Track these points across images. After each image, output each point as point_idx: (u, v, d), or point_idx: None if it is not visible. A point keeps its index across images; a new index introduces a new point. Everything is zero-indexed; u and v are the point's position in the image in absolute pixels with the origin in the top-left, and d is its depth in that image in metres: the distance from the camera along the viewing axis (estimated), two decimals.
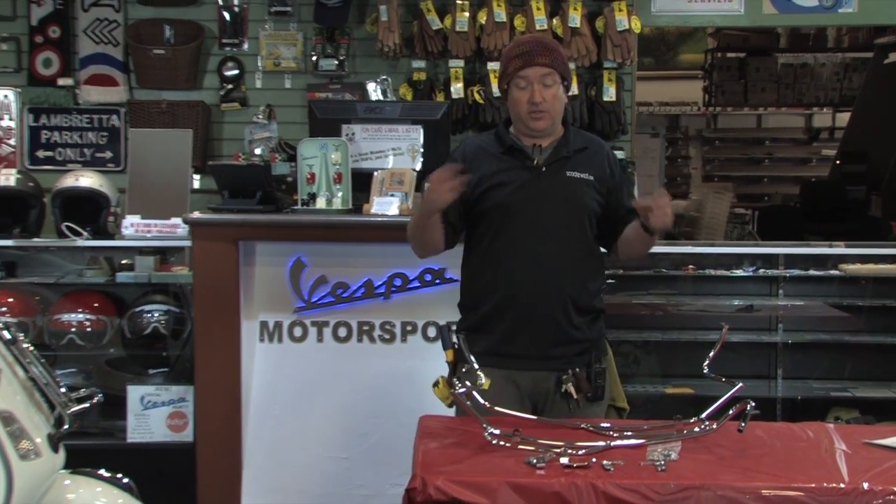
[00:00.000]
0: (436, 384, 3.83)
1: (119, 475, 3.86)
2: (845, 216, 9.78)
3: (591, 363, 3.89)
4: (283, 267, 5.30)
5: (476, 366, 3.56)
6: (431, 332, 5.31)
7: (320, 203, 5.28)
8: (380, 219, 5.15)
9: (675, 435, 3.45)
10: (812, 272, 5.96)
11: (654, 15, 6.95)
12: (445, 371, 3.76)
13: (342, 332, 5.34)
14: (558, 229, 3.84)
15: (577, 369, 3.86)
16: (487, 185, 3.88)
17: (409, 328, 5.33)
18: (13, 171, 5.99)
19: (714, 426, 3.51)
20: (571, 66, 6.53)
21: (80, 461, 3.83)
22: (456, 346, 3.92)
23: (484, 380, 3.57)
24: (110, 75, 6.97)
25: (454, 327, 4.04)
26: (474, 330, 3.95)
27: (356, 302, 5.31)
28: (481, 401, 3.58)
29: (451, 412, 3.73)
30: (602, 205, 3.91)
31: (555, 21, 6.61)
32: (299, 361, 5.33)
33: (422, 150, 5.45)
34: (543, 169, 3.87)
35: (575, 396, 3.83)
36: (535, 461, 3.22)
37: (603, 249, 4.06)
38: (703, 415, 3.58)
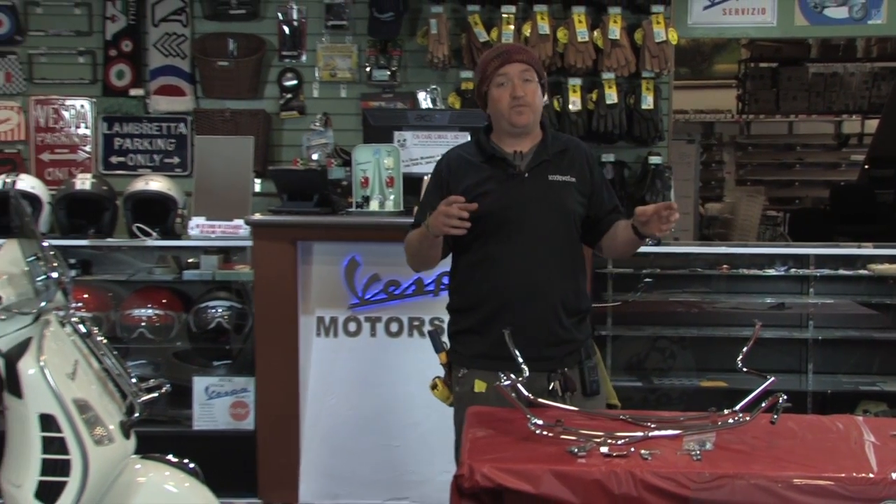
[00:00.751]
0: (434, 386, 3.83)
1: (185, 460, 3.90)
2: (874, 218, 9.67)
3: (581, 361, 3.83)
4: (338, 266, 5.32)
5: (525, 368, 3.53)
6: None
7: (373, 205, 5.30)
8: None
9: (710, 426, 3.41)
10: (841, 272, 5.90)
11: (691, 27, 6.90)
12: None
13: (394, 326, 5.35)
14: (544, 233, 3.76)
15: (567, 369, 3.81)
16: (473, 194, 3.73)
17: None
18: (88, 175, 6.05)
19: (747, 418, 3.46)
20: (611, 75, 6.55)
21: (149, 447, 3.87)
22: (448, 349, 3.94)
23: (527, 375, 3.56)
24: (178, 86, 7.02)
25: (444, 330, 4.02)
26: (467, 333, 3.87)
27: (407, 299, 5.32)
28: (525, 393, 3.57)
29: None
30: (584, 205, 3.83)
31: (595, 33, 6.58)
32: (353, 355, 5.35)
33: None
34: (526, 175, 3.78)
35: (560, 394, 3.75)
36: (576, 450, 3.20)
37: (587, 248, 3.98)
38: (737, 407, 3.53)
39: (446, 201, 3.61)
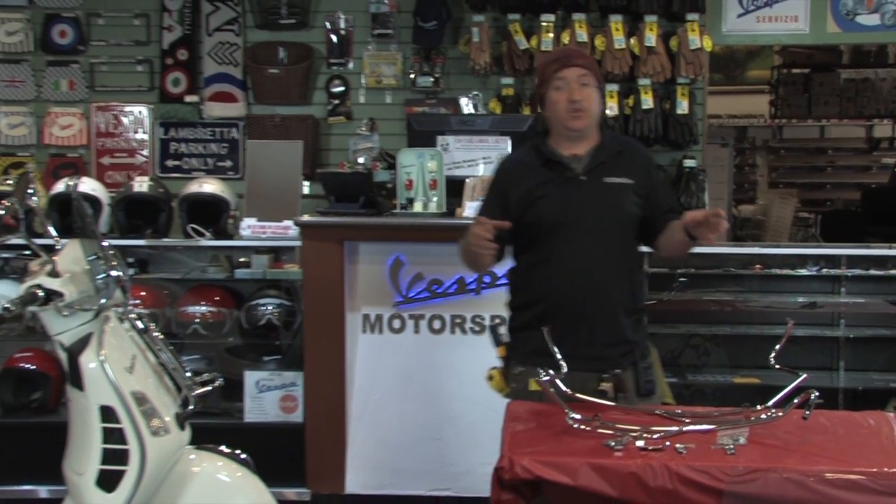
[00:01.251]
0: (490, 378, 3.81)
1: (237, 451, 3.91)
2: None
3: (636, 362, 3.78)
4: (383, 265, 5.33)
5: (563, 364, 3.51)
6: None
7: (417, 207, 5.31)
8: (471, 221, 5.14)
9: (744, 421, 3.39)
10: (873, 272, 5.84)
11: (725, 34, 6.86)
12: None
13: (437, 324, 5.35)
14: (601, 236, 3.72)
15: (621, 369, 3.76)
16: (531, 198, 3.75)
17: (497, 321, 5.30)
18: (146, 178, 6.10)
19: (780, 413, 3.44)
20: (647, 81, 6.53)
21: (203, 438, 3.89)
22: (506, 343, 3.92)
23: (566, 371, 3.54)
24: (231, 92, 7.06)
25: (503, 325, 4.01)
26: (525, 329, 3.84)
27: (449, 297, 5.32)
28: (563, 388, 3.56)
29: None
30: (642, 206, 3.77)
31: (632, 41, 6.56)
32: (398, 351, 5.36)
33: None
34: (582, 178, 3.73)
35: (613, 396, 3.71)
36: (613, 444, 3.20)
37: (645, 248, 3.92)
38: (770, 403, 3.51)
39: (478, 223, 3.63)
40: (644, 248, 3.93)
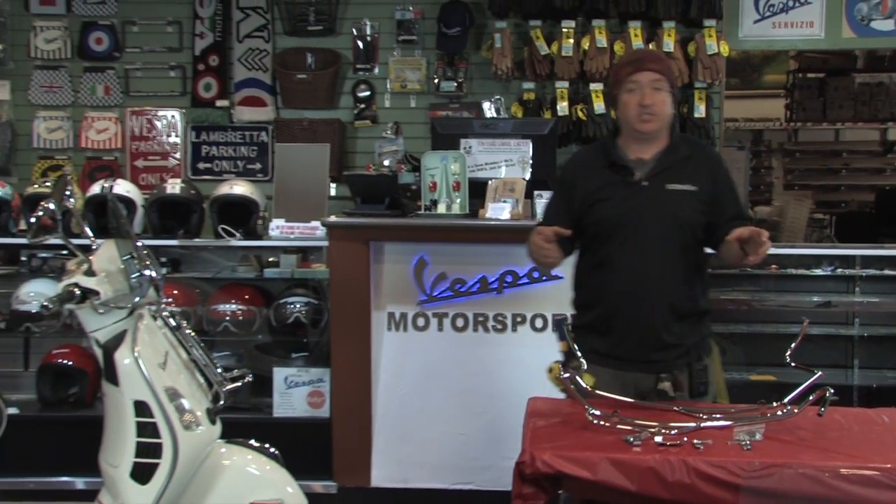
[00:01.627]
0: (550, 370, 3.79)
1: (266, 445, 3.93)
2: None
3: (691, 364, 3.74)
4: (408, 265, 5.33)
5: (583, 361, 3.51)
6: (539, 323, 5.29)
7: (441, 208, 5.31)
8: (493, 222, 5.16)
9: (760, 418, 3.38)
10: (887, 272, 5.82)
11: (741, 40, 6.82)
12: (555, 359, 3.70)
13: (460, 322, 5.35)
14: (658, 240, 3.67)
15: (677, 371, 3.72)
16: (593, 199, 3.73)
17: (519, 319, 5.31)
18: (178, 180, 6.13)
19: (795, 410, 3.43)
20: None
21: (233, 432, 3.90)
22: (569, 339, 3.90)
23: (585, 368, 3.54)
24: (260, 97, 7.07)
25: (569, 321, 3.98)
26: (585, 328, 3.83)
27: (472, 296, 5.32)
28: (583, 385, 3.56)
29: (558, 394, 3.68)
30: (705, 213, 3.70)
31: (651, 46, 6.53)
32: (422, 348, 5.36)
33: (531, 161, 5.46)
34: (644, 183, 3.69)
35: (671, 395, 3.69)
36: (632, 439, 3.20)
37: (710, 250, 3.85)
38: (786, 400, 3.50)
39: (537, 232, 3.63)
40: (709, 251, 3.86)
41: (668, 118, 3.75)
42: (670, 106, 3.74)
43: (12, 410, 3.86)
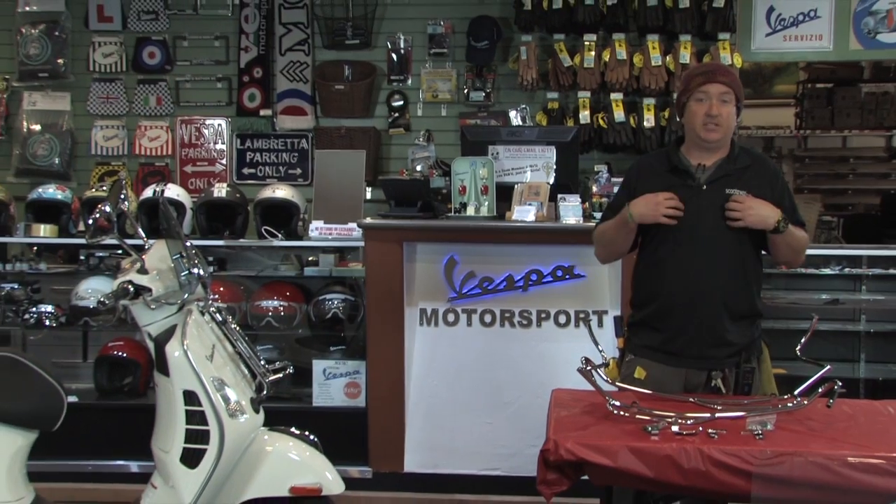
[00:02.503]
0: (607, 365, 3.76)
1: (306, 432, 3.94)
2: None
3: (740, 364, 3.69)
4: (438, 264, 5.33)
5: (600, 349, 3.49)
6: (562, 319, 5.28)
7: (470, 211, 5.30)
8: (519, 224, 5.15)
9: (772, 409, 3.36)
10: (892, 271, 5.75)
11: (754, 52, 6.77)
12: (578, 353, 3.67)
13: (488, 318, 5.34)
14: (714, 242, 3.63)
15: (727, 369, 3.68)
16: None
17: (543, 315, 5.30)
18: (224, 185, 6.14)
19: (805, 402, 3.42)
20: None
21: (275, 420, 3.92)
22: (626, 336, 3.88)
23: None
24: (300, 107, 7.09)
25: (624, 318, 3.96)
26: (640, 325, 3.81)
27: (499, 293, 5.30)
28: (604, 377, 3.54)
29: (584, 386, 3.64)
30: None
31: (668, 58, 6.50)
32: (452, 342, 5.35)
33: (554, 166, 5.44)
34: (704, 187, 3.66)
35: (724, 391, 3.65)
36: (650, 429, 3.19)
37: (765, 253, 3.80)
38: (796, 392, 3.49)
39: (661, 194, 3.62)
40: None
41: (732, 129, 3.72)
42: (734, 118, 3.71)
43: (72, 399, 3.87)
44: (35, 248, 6.07)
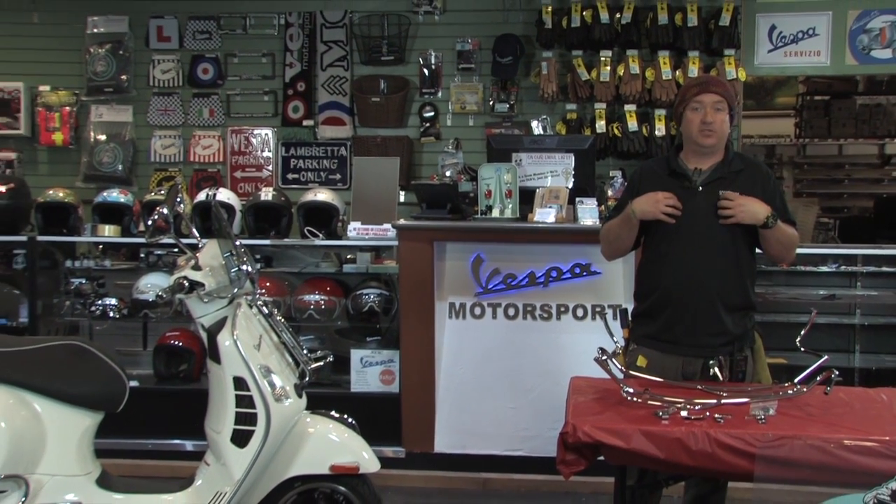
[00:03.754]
0: (616, 354, 3.75)
1: (345, 416, 3.94)
2: None
3: (734, 353, 3.68)
4: (466, 261, 5.32)
5: (617, 344, 3.47)
6: (580, 312, 5.26)
7: (495, 213, 5.30)
8: (540, 225, 5.15)
9: (773, 395, 3.34)
10: (885, 269, 5.71)
11: (757, 66, 6.73)
12: (594, 343, 3.65)
13: (511, 311, 5.32)
14: (710, 239, 3.63)
15: (722, 357, 3.67)
16: None
17: (562, 309, 5.28)
18: (270, 189, 6.15)
19: (805, 389, 3.39)
20: None
21: (316, 404, 3.92)
22: (630, 326, 3.88)
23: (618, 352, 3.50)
24: (340, 117, 7.10)
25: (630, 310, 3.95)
26: (642, 316, 3.81)
27: (522, 289, 5.29)
28: (617, 365, 3.52)
29: (600, 374, 3.62)
30: None
31: (678, 72, 6.46)
32: (478, 334, 5.34)
33: (573, 172, 5.43)
34: (700, 189, 3.66)
35: (720, 378, 3.64)
36: (661, 413, 3.17)
37: (760, 251, 3.78)
38: (796, 380, 3.46)
39: (661, 193, 3.63)
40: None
41: (725, 135, 3.72)
42: (727, 125, 3.71)
43: (133, 384, 3.89)
44: (100, 246, 6.12)
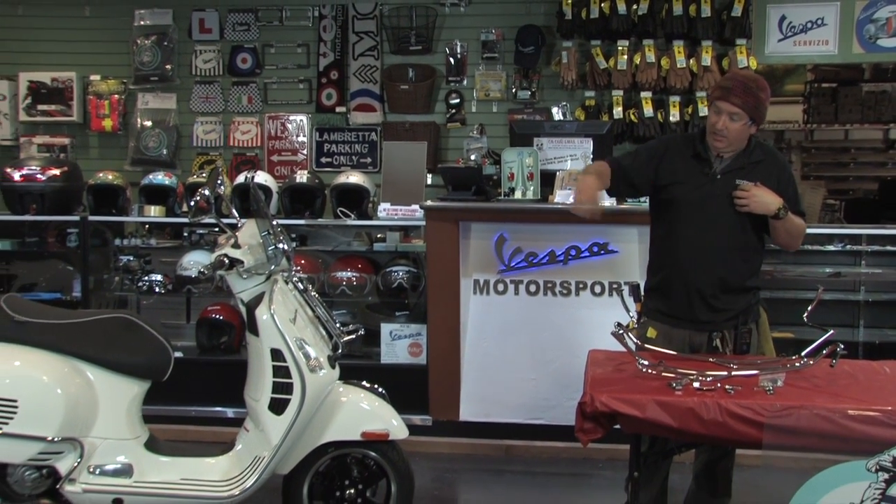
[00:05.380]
0: (630, 328, 3.74)
1: (375, 385, 3.95)
2: None
3: (738, 326, 3.67)
4: (490, 240, 5.31)
5: (633, 318, 3.46)
6: (598, 289, 5.25)
7: (517, 194, 5.28)
8: (560, 206, 5.11)
9: (781, 368, 3.33)
10: (888, 248, 5.65)
11: (768, 55, 6.63)
12: (611, 318, 3.63)
13: (532, 287, 5.31)
14: (720, 223, 3.61)
15: (727, 332, 3.67)
16: (673, 179, 3.69)
17: (581, 286, 5.27)
18: (305, 172, 6.18)
19: (811, 362, 3.38)
20: (703, 94, 6.34)
21: (349, 375, 3.94)
22: (642, 301, 3.86)
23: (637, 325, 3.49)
24: (370, 104, 7.08)
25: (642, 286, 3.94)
26: (653, 290, 3.81)
27: (543, 266, 5.28)
28: (633, 339, 3.51)
29: (616, 347, 3.61)
30: None
31: (691, 61, 6.40)
32: (501, 309, 5.34)
33: (591, 156, 5.40)
34: (718, 176, 3.64)
35: (722, 350, 3.64)
36: (674, 385, 3.17)
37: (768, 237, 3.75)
38: (803, 353, 3.44)
39: (583, 194, 3.65)
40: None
41: (739, 141, 3.64)
42: (741, 132, 3.61)
43: (178, 354, 3.91)
44: (147, 226, 6.15)
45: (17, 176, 5.82)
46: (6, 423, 3.47)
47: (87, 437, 3.62)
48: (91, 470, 3.62)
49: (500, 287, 5.35)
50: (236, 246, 3.75)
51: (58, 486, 3.61)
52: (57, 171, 5.88)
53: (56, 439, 3.53)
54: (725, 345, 3.68)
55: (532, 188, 5.28)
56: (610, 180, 3.79)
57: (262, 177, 5.91)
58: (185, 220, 5.68)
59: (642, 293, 3.89)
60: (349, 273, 5.74)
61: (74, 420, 3.57)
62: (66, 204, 5.91)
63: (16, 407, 3.48)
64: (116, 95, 7.22)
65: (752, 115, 3.60)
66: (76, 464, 3.59)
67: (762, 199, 3.56)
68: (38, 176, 5.82)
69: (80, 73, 7.26)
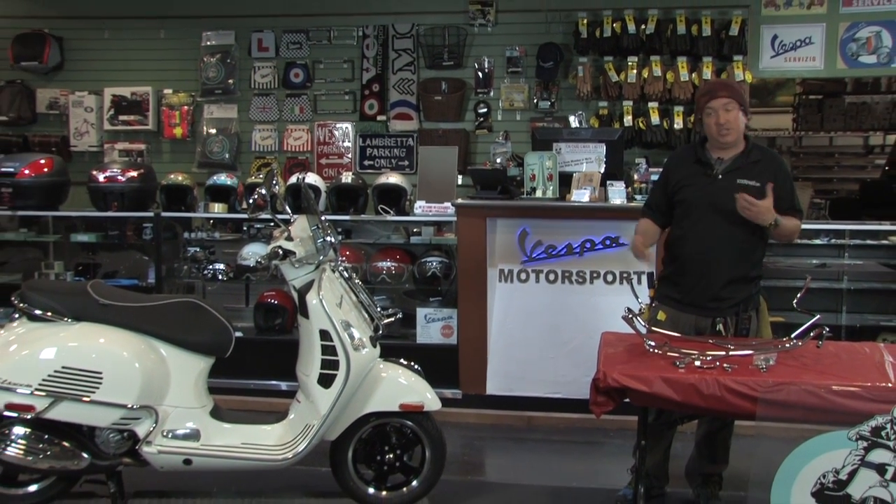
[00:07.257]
0: (641, 312, 3.71)
1: (412, 363, 3.95)
2: (893, 205, 9.06)
3: (739, 313, 3.65)
4: (514, 234, 5.30)
5: (642, 304, 3.44)
6: (610, 278, 5.22)
7: (538, 193, 5.27)
8: (577, 204, 5.12)
9: (774, 348, 3.30)
10: (869, 242, 5.60)
11: (761, 70, 6.55)
12: (622, 304, 3.60)
13: (552, 276, 5.29)
14: (725, 220, 3.58)
15: (729, 317, 3.65)
16: (681, 185, 3.71)
17: (594, 275, 5.24)
18: (350, 173, 6.18)
19: (800, 343, 3.37)
20: None
21: (388, 353, 3.94)
22: (655, 287, 3.86)
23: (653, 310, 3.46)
24: (408, 113, 7.07)
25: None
26: (665, 279, 3.81)
27: (561, 257, 5.26)
28: (642, 322, 3.49)
29: (626, 330, 3.58)
30: None
31: (693, 75, 6.33)
32: (524, 295, 5.32)
33: (604, 159, 5.41)
34: (720, 177, 3.63)
35: (724, 334, 3.63)
36: (678, 363, 3.18)
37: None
38: (793, 335, 3.42)
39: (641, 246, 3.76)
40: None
41: (740, 128, 3.64)
42: (741, 120, 3.63)
43: (238, 334, 3.94)
44: (211, 221, 6.19)
45: (101, 177, 5.90)
46: (94, 392, 3.53)
47: (161, 405, 3.66)
48: (164, 434, 3.66)
49: (523, 276, 5.32)
50: (289, 239, 3.76)
51: (137, 447, 3.67)
52: (135, 174, 5.94)
53: (135, 406, 3.58)
54: (727, 330, 3.67)
55: (552, 188, 5.26)
56: (653, 226, 3.86)
57: (311, 178, 5.94)
58: (245, 215, 5.71)
59: (656, 280, 3.89)
60: (389, 263, 5.74)
61: (150, 390, 3.61)
62: (143, 202, 5.97)
63: (101, 378, 3.53)
64: (186, 107, 7.26)
65: (740, 101, 3.63)
66: (152, 428, 3.63)
67: (758, 212, 3.51)
68: (119, 177, 5.89)
69: (154, 88, 7.31)
